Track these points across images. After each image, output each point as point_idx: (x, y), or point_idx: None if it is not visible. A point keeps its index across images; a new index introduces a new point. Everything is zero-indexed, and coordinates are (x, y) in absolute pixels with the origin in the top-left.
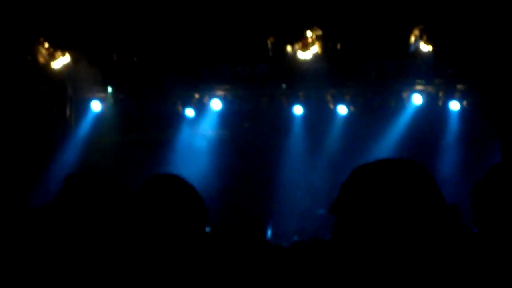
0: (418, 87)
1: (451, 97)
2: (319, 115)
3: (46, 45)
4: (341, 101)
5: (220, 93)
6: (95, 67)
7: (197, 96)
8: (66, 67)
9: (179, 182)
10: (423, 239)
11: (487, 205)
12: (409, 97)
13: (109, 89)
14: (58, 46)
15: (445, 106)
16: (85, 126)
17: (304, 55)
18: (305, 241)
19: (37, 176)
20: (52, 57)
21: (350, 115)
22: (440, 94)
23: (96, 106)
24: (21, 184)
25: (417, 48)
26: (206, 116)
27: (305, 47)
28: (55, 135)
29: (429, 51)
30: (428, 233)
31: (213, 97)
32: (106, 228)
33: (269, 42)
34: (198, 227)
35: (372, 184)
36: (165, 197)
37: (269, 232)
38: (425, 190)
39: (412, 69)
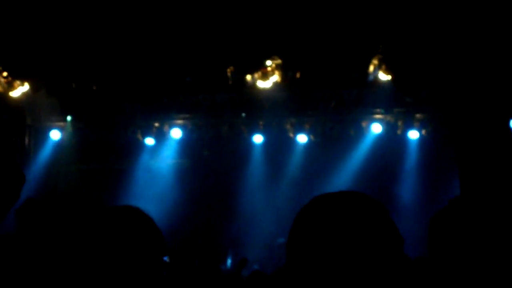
0: (377, 116)
1: (410, 126)
2: (279, 144)
3: (5, 74)
4: (301, 130)
5: (180, 121)
6: (54, 96)
7: (157, 124)
8: (25, 95)
9: (136, 214)
10: (367, 271)
11: (441, 239)
12: (368, 126)
13: (68, 117)
14: (17, 75)
15: (404, 135)
16: (44, 154)
17: (264, 84)
18: (264, 271)
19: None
20: (10, 86)
21: (310, 143)
22: (399, 123)
23: (55, 135)
24: None
25: (376, 77)
26: (166, 144)
27: (265, 76)
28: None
29: (388, 80)
30: (373, 266)
31: (173, 126)
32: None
33: (228, 71)
34: (156, 258)
35: (323, 219)
36: (122, 229)
37: (229, 261)
38: (375, 225)
39: (371, 98)
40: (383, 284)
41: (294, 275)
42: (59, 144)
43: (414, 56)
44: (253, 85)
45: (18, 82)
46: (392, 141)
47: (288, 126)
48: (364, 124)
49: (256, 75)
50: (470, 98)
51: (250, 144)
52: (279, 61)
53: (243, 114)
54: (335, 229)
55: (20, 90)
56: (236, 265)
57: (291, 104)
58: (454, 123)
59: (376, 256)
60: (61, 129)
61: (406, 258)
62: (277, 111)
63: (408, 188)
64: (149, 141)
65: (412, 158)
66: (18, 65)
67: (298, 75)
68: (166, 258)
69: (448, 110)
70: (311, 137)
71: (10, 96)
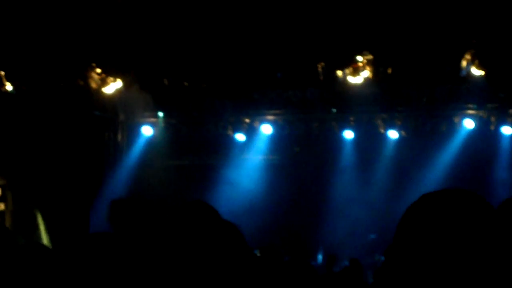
0: (470, 112)
1: (503, 121)
2: (370, 140)
3: (98, 70)
4: (392, 126)
5: (270, 117)
6: (146, 92)
7: (247, 120)
8: (118, 92)
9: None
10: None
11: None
12: (460, 122)
13: (160, 114)
14: (110, 72)
15: (497, 131)
16: (136, 150)
17: (355, 80)
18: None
19: (90, 201)
20: (104, 82)
21: (401, 139)
22: (492, 118)
23: (147, 130)
24: (75, 208)
25: (469, 72)
26: (256, 140)
27: (356, 71)
28: (107, 160)
29: (480, 76)
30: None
31: (263, 122)
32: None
33: (319, 67)
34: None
35: (434, 218)
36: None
37: (320, 257)
38: (486, 224)
39: (464, 94)
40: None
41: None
42: (151, 140)
43: (507, 51)
44: (344, 80)
45: (111, 78)
46: (485, 137)
47: (379, 122)
48: (456, 119)
49: (347, 71)
50: None
51: (341, 140)
52: (370, 57)
53: (334, 110)
54: (446, 228)
55: (113, 86)
56: (326, 262)
57: (382, 99)
58: None
59: (486, 256)
60: (153, 125)
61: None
62: (368, 107)
63: (501, 184)
64: (240, 137)
65: (505, 154)
66: (111, 62)
67: (389, 70)
68: (256, 252)
69: None
70: (402, 133)
71: (103, 92)
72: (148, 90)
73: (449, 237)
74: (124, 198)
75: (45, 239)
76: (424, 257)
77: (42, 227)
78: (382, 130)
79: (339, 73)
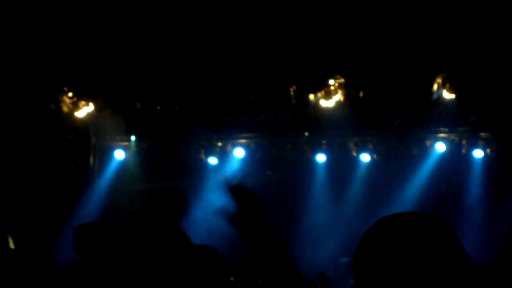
0: (441, 135)
1: (474, 145)
2: (342, 163)
3: (70, 94)
4: (364, 149)
5: (243, 141)
6: (118, 116)
7: (220, 144)
8: (90, 116)
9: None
10: None
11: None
12: (432, 145)
13: (132, 137)
14: (82, 96)
15: (468, 154)
16: (108, 174)
17: (327, 103)
18: None
19: (61, 225)
20: (75, 106)
21: (373, 162)
22: (464, 142)
23: (119, 154)
24: (45, 233)
25: (440, 96)
26: (229, 164)
27: (328, 95)
28: (78, 184)
29: (452, 99)
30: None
31: (236, 145)
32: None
33: (291, 91)
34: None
35: (388, 242)
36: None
37: None
38: (449, 252)
39: (435, 117)
40: None
41: None
42: (123, 164)
43: (478, 75)
44: (316, 104)
45: (83, 102)
46: (456, 160)
47: (351, 145)
48: (428, 143)
49: (319, 94)
50: None
51: (313, 163)
52: (342, 80)
53: (306, 134)
54: (401, 252)
55: (85, 110)
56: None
57: (354, 123)
58: None
59: (443, 278)
60: (125, 148)
61: (473, 278)
62: (340, 130)
63: (472, 206)
64: (212, 160)
65: (477, 177)
66: (83, 86)
67: (361, 94)
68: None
69: None
70: (375, 156)
71: (75, 116)
72: (120, 114)
73: (401, 259)
74: (86, 224)
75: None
76: (378, 280)
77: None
78: (354, 154)
79: (311, 96)
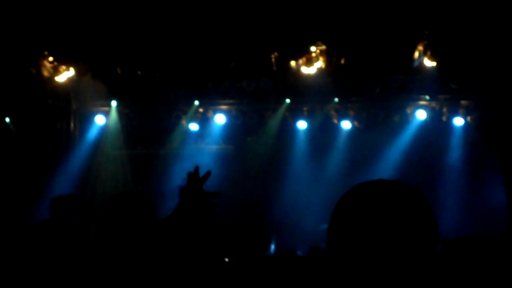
0: (422, 103)
1: (455, 112)
2: (323, 130)
3: (51, 59)
4: (345, 116)
5: (224, 107)
6: (99, 81)
7: (201, 110)
8: (70, 81)
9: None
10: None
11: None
12: (413, 113)
13: (113, 103)
14: (63, 60)
15: (449, 122)
16: (89, 139)
17: (308, 70)
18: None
19: (41, 189)
20: (56, 71)
21: (354, 130)
22: (444, 109)
23: (100, 119)
24: (25, 197)
25: (421, 63)
26: (210, 130)
27: (309, 62)
28: (59, 148)
29: (433, 67)
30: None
31: (217, 112)
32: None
33: (273, 57)
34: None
35: (362, 207)
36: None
37: (272, 247)
38: (413, 214)
39: (416, 85)
40: (417, 273)
41: (333, 260)
42: (104, 129)
43: (459, 43)
44: (297, 71)
45: (63, 67)
46: (437, 128)
47: (332, 112)
48: (409, 110)
49: (300, 61)
50: None
51: (294, 130)
52: (323, 47)
53: (287, 100)
54: (373, 217)
55: (65, 75)
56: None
57: (335, 90)
58: (498, 112)
59: (411, 245)
60: (106, 114)
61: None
62: (321, 97)
63: (452, 173)
64: (193, 126)
65: (456, 145)
66: (64, 50)
67: (342, 61)
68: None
69: (493, 97)
70: (355, 123)
71: (56, 81)
72: (101, 79)
73: (374, 226)
74: (65, 196)
75: None
76: (351, 246)
77: None
78: (335, 120)
79: (293, 63)
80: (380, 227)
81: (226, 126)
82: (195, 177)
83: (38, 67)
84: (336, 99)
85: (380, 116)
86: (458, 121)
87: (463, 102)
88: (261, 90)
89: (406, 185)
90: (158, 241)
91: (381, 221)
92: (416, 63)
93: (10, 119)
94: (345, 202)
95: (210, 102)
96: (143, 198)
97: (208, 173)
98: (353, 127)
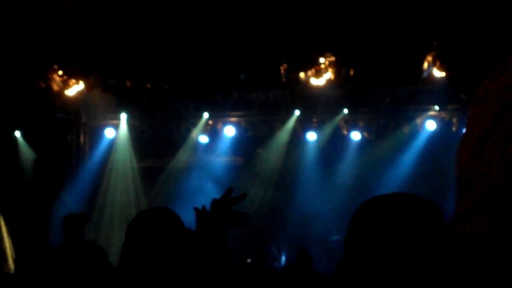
0: (432, 113)
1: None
2: (332, 141)
3: (60, 72)
4: (355, 127)
5: (233, 119)
6: (108, 94)
7: (210, 122)
8: (80, 94)
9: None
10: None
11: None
12: (422, 123)
13: (123, 115)
14: (72, 74)
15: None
16: (99, 152)
17: (317, 82)
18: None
19: (51, 203)
20: (66, 84)
21: (363, 140)
22: (454, 119)
23: (109, 132)
24: (35, 212)
25: (430, 74)
26: (220, 142)
27: (318, 73)
28: (69, 162)
29: (442, 77)
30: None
31: (226, 124)
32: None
33: (282, 69)
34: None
35: (376, 223)
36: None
37: (283, 258)
38: (428, 228)
39: (426, 95)
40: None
41: (352, 273)
42: (113, 142)
43: (468, 53)
44: (306, 82)
45: (73, 81)
46: (447, 138)
47: (341, 123)
48: (418, 121)
49: (309, 73)
50: None
51: (304, 141)
52: (332, 58)
53: (297, 112)
54: (388, 233)
55: (75, 88)
56: (298, 259)
57: (344, 101)
58: None
59: (428, 258)
60: (115, 127)
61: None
62: (331, 109)
63: None
64: (203, 138)
65: None
66: (73, 64)
67: (351, 72)
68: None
69: None
70: (365, 134)
71: (66, 95)
72: (111, 92)
73: (390, 241)
74: (76, 214)
75: (7, 243)
76: (368, 260)
77: (3, 230)
78: (344, 132)
79: (302, 74)
80: (399, 241)
81: (236, 138)
82: (226, 198)
83: (48, 80)
84: (346, 110)
85: (390, 127)
86: None
87: None
88: (270, 101)
89: (418, 197)
90: (189, 256)
91: (400, 235)
92: (425, 74)
93: (21, 133)
94: (363, 214)
95: (220, 114)
96: (170, 213)
97: (243, 196)
98: (363, 138)
